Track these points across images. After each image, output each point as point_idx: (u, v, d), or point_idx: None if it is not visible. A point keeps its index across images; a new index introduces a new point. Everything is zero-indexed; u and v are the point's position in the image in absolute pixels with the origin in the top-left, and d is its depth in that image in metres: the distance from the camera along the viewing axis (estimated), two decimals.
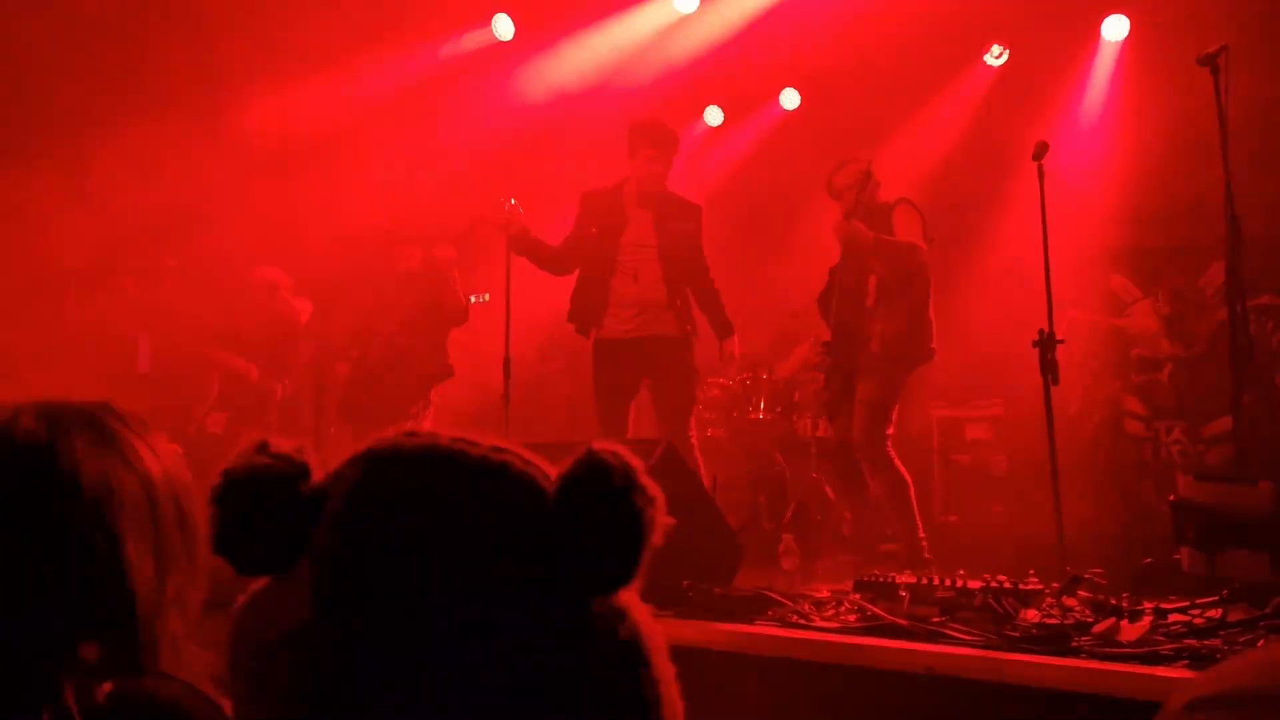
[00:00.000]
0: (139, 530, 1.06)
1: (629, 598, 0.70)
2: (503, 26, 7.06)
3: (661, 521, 0.68)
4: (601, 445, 0.69)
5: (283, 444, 0.75)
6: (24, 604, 1.00)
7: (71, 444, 1.05)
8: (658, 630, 0.72)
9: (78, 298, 6.72)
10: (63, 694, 0.98)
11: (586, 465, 0.68)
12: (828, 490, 6.35)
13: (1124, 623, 2.81)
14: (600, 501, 0.67)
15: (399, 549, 0.67)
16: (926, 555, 4.56)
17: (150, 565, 1.06)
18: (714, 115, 8.02)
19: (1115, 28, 6.45)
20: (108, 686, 1.00)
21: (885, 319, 4.75)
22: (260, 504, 0.71)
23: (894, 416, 4.77)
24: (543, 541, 0.67)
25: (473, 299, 6.63)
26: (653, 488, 0.68)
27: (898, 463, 4.71)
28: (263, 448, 0.74)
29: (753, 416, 6.64)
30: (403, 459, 0.71)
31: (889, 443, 4.71)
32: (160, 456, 1.12)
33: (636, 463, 0.68)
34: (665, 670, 0.71)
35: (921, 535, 4.65)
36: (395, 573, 0.66)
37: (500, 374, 5.23)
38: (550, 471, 0.72)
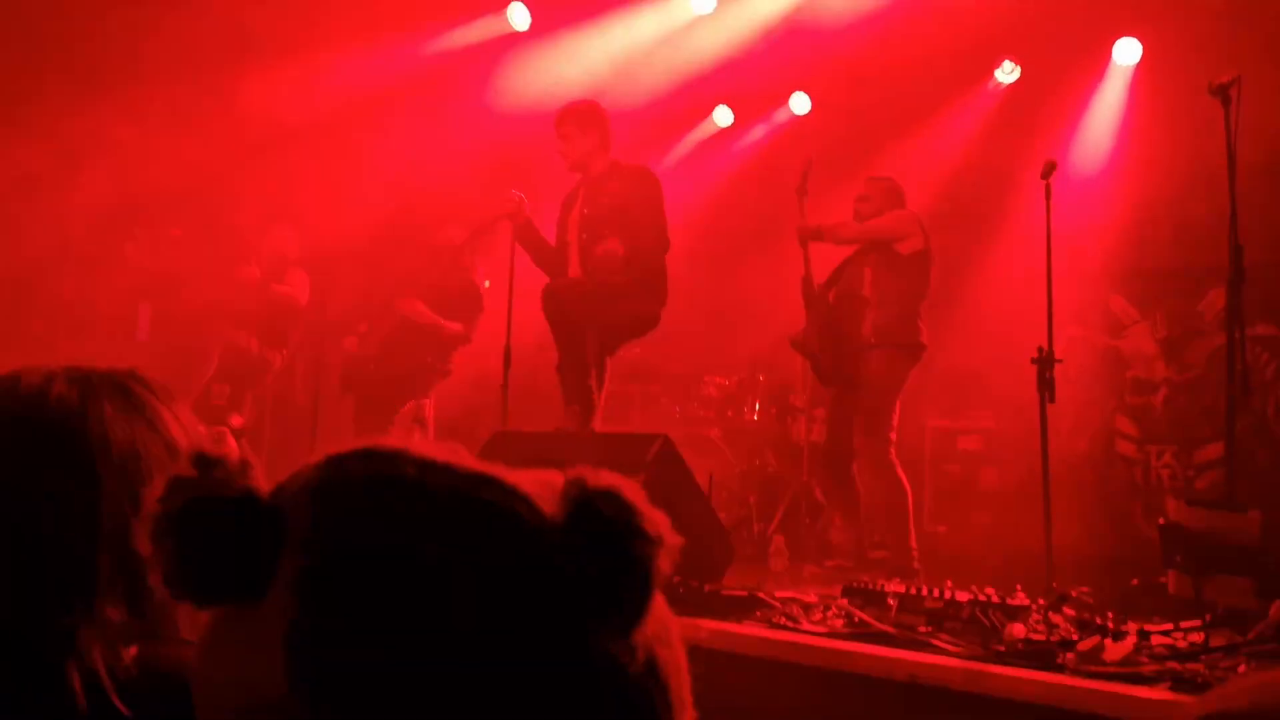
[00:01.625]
0: None
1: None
2: (518, 16, 7.08)
3: (668, 558, 0.61)
4: (595, 479, 0.62)
5: (222, 455, 0.66)
6: (50, 563, 1.03)
7: (102, 409, 1.07)
8: (676, 637, 0.67)
9: (79, 264, 6.72)
10: (89, 653, 1.01)
11: (579, 507, 0.61)
12: (818, 494, 6.39)
13: (1108, 641, 2.85)
14: (597, 550, 0.60)
15: (370, 605, 0.59)
16: (916, 565, 4.61)
17: None
18: (723, 115, 8.05)
19: (1127, 51, 6.48)
20: (134, 650, 1.03)
21: (878, 307, 4.88)
22: (219, 533, 0.63)
23: (895, 422, 4.83)
24: (537, 589, 0.60)
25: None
26: (655, 525, 0.61)
27: (899, 469, 4.77)
28: (202, 463, 0.65)
29: (747, 417, 6.68)
30: (375, 489, 0.62)
31: (891, 448, 4.77)
32: (184, 424, 1.14)
33: (637, 497, 0.62)
34: (680, 688, 0.66)
35: (913, 545, 4.69)
36: (369, 637, 0.59)
37: (500, 362, 5.27)
38: (536, 492, 0.63)
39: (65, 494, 1.04)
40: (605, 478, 0.63)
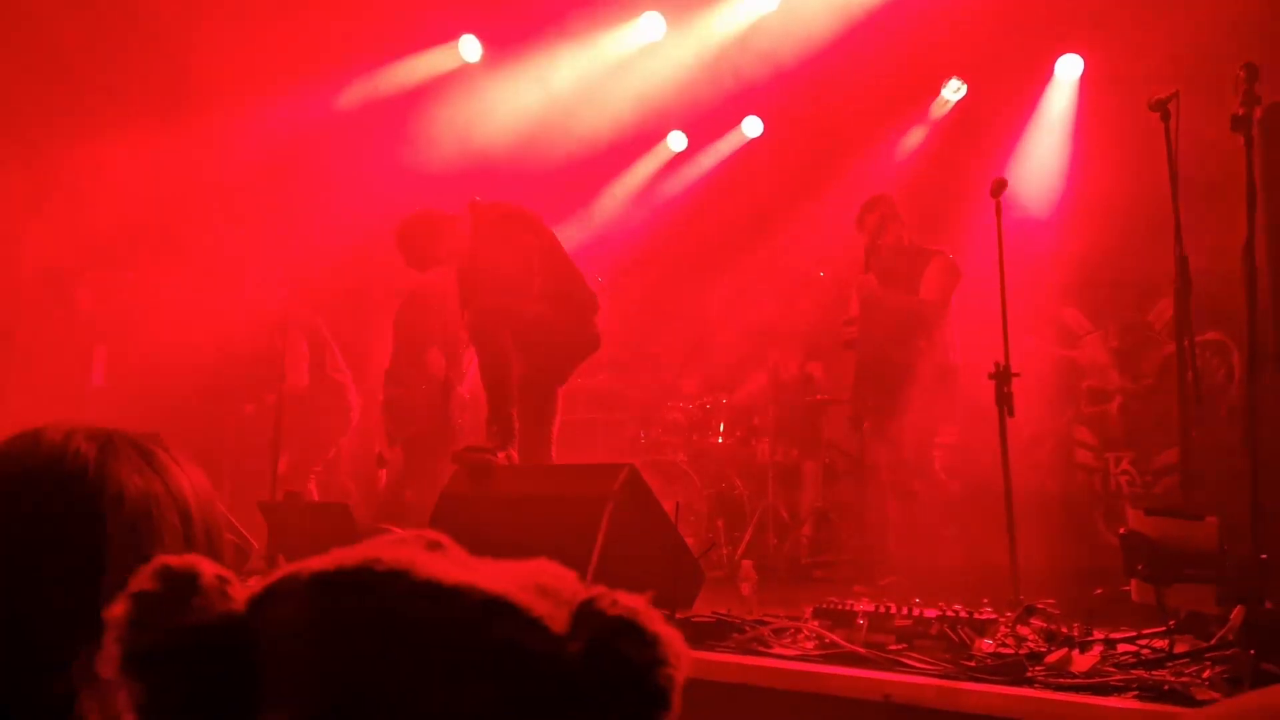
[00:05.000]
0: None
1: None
2: (469, 48, 7.10)
3: (681, 684, 0.61)
4: (609, 604, 0.61)
5: (192, 567, 0.61)
6: (50, 620, 1.01)
7: (118, 468, 1.08)
8: None
9: (33, 309, 6.62)
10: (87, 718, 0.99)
11: (596, 641, 0.59)
12: (784, 514, 6.42)
13: (1076, 653, 2.88)
14: (619, 684, 0.59)
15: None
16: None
17: None
18: (677, 140, 8.11)
19: (1069, 67, 6.62)
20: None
21: (932, 349, 5.31)
22: (197, 674, 0.58)
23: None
24: (552, 708, 0.58)
25: None
26: (674, 651, 0.61)
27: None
28: (171, 582, 0.60)
29: (712, 440, 6.70)
30: (379, 632, 0.58)
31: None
32: (196, 487, 1.14)
33: (654, 623, 0.61)
34: None
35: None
36: None
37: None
38: (548, 612, 0.60)
39: (73, 548, 1.04)
40: (621, 603, 0.61)
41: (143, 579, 0.61)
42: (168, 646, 0.59)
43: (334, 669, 0.57)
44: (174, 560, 0.63)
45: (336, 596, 0.59)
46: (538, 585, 0.61)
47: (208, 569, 0.62)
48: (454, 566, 0.61)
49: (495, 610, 0.59)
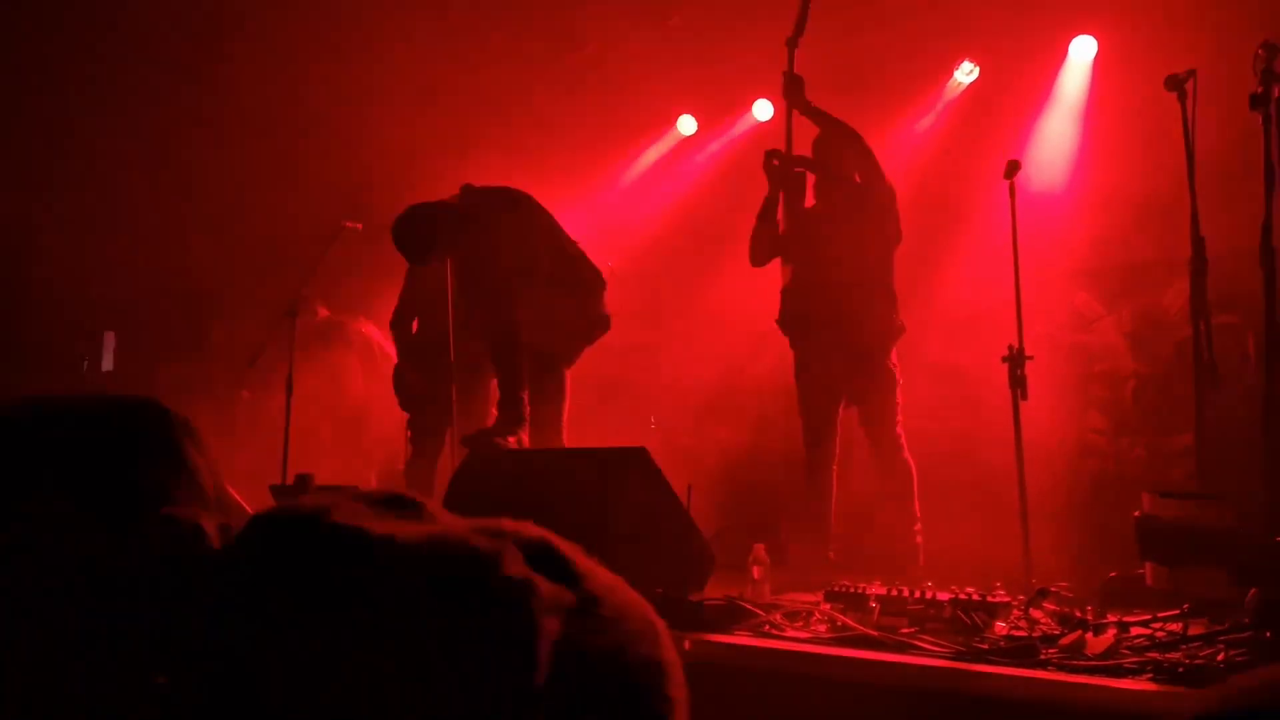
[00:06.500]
0: None
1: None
2: None
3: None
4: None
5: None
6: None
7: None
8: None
9: (43, 294, 6.63)
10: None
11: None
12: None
13: (1089, 635, 2.87)
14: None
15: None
16: (921, 559, 4.63)
17: None
18: (687, 124, 8.07)
19: (1083, 48, 6.56)
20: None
21: (884, 295, 4.99)
22: (170, 602, 0.65)
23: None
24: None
25: None
26: (678, 688, 0.68)
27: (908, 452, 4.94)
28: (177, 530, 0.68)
29: (723, 425, 6.68)
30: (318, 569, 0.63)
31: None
32: (208, 464, 1.13)
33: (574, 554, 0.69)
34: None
35: (918, 528, 4.72)
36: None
37: None
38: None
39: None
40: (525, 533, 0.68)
41: (148, 524, 0.67)
42: (148, 582, 0.65)
43: (265, 600, 0.62)
44: (178, 510, 0.69)
45: (266, 533, 0.66)
46: (474, 528, 0.68)
47: (209, 522, 0.70)
48: (390, 524, 0.66)
49: (396, 560, 0.64)
